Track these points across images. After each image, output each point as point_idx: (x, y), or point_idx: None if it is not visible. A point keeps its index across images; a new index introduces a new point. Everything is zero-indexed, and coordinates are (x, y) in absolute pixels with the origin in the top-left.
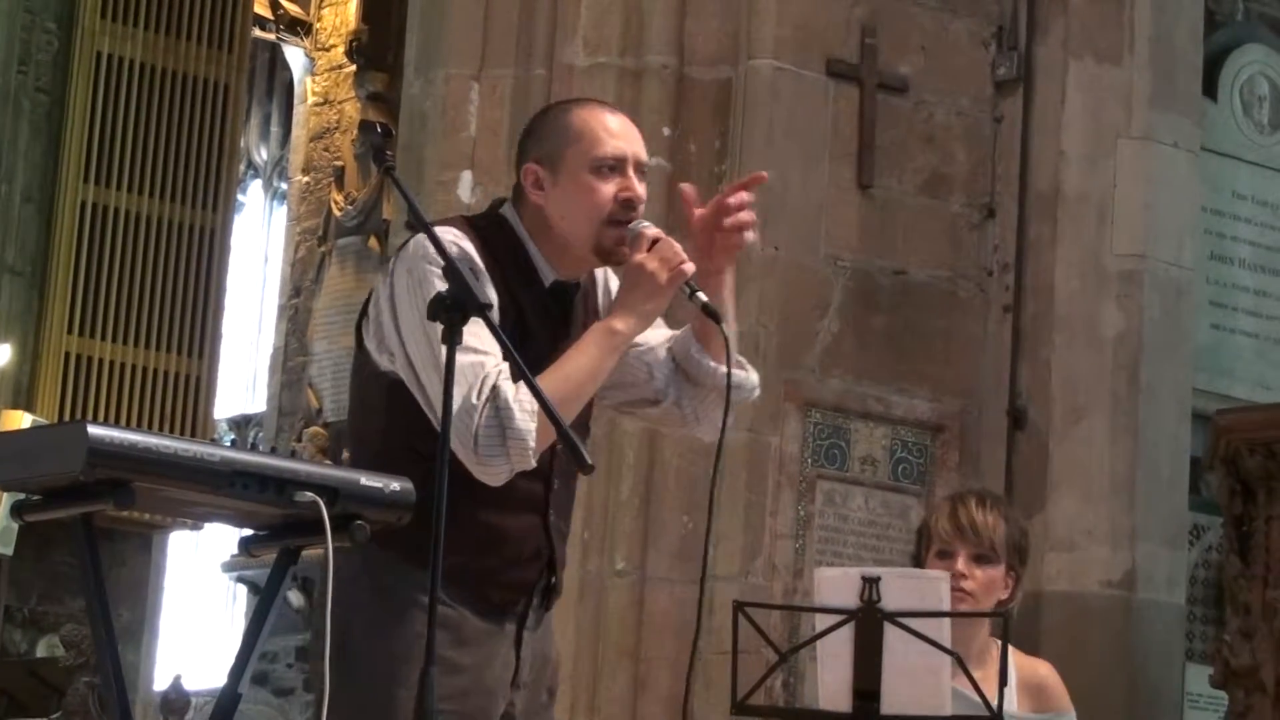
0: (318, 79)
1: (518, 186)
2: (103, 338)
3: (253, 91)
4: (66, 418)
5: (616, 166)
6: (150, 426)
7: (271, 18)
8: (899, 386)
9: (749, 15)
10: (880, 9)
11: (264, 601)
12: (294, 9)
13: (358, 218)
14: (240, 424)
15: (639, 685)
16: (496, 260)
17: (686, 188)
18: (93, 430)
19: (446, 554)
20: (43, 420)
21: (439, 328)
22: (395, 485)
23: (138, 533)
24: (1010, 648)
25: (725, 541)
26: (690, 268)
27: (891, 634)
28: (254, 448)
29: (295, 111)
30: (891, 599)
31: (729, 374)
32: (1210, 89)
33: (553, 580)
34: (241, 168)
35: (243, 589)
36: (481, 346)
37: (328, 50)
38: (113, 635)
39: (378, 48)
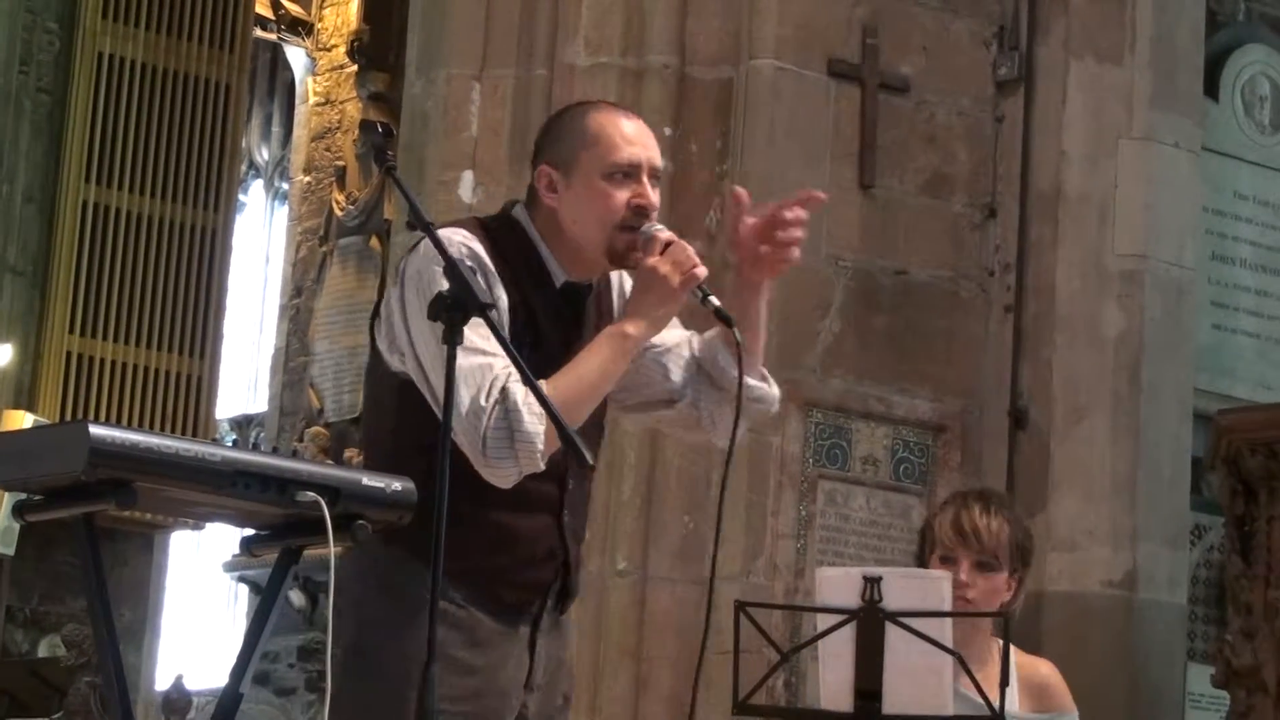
0: (319, 79)
1: (531, 188)
2: (104, 338)
3: (254, 92)
4: (68, 418)
5: (630, 173)
6: (152, 426)
7: (273, 18)
8: (900, 386)
9: (750, 15)
10: (881, 9)
11: (265, 601)
12: (295, 9)
13: (359, 218)
14: (242, 424)
15: (640, 685)
16: (507, 261)
17: (740, 191)
18: (94, 430)
19: (459, 555)
20: (44, 420)
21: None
22: (397, 485)
23: (139, 532)
24: (1012, 647)
25: (727, 542)
26: (703, 271)
27: (893, 634)
28: (255, 448)
29: (296, 111)
30: (893, 599)
31: (740, 379)
32: (1212, 89)
33: (568, 581)
34: (243, 168)
35: (244, 589)
36: (488, 348)
37: (329, 50)
38: (114, 635)
39: (379, 48)
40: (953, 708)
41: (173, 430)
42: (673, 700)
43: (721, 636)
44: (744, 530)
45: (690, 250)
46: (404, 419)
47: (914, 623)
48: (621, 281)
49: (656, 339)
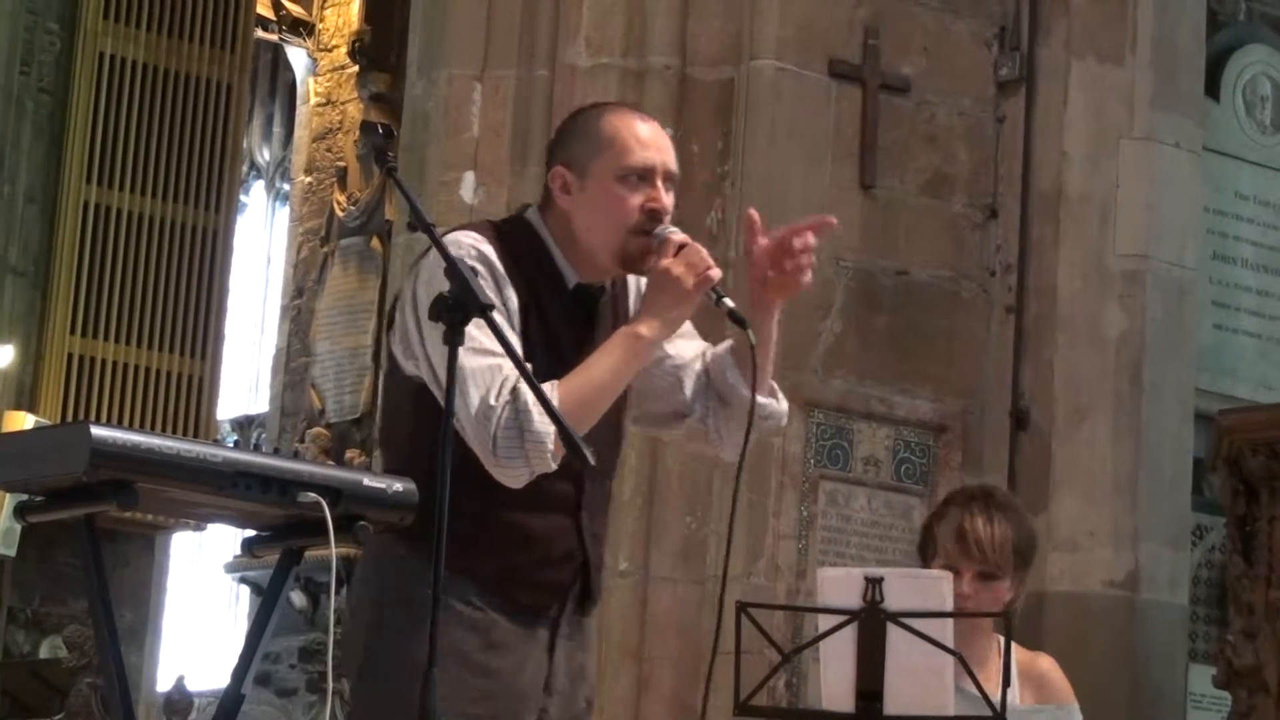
0: (320, 80)
1: (546, 189)
2: (105, 338)
3: (255, 92)
4: (69, 419)
5: (645, 176)
6: (153, 427)
7: (274, 18)
8: (901, 387)
9: (751, 16)
10: (883, 9)
11: (267, 602)
12: (296, 10)
13: (360, 218)
14: (243, 425)
15: (642, 685)
16: (518, 263)
17: (753, 214)
18: (96, 431)
19: (474, 555)
20: (45, 421)
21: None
22: (398, 486)
23: (140, 533)
24: (1012, 643)
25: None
26: (716, 273)
27: (894, 634)
28: (256, 449)
29: (297, 112)
30: (894, 599)
31: (753, 389)
32: (1213, 89)
33: (588, 583)
34: (244, 168)
35: (245, 590)
36: (496, 349)
37: (330, 51)
38: (115, 636)
39: (380, 48)
40: (955, 707)
41: (174, 431)
42: (674, 700)
43: (723, 637)
44: (745, 531)
45: (704, 252)
46: (420, 422)
47: (915, 623)
48: (639, 284)
49: (674, 352)
